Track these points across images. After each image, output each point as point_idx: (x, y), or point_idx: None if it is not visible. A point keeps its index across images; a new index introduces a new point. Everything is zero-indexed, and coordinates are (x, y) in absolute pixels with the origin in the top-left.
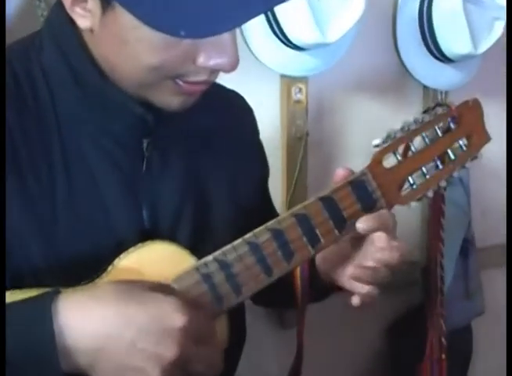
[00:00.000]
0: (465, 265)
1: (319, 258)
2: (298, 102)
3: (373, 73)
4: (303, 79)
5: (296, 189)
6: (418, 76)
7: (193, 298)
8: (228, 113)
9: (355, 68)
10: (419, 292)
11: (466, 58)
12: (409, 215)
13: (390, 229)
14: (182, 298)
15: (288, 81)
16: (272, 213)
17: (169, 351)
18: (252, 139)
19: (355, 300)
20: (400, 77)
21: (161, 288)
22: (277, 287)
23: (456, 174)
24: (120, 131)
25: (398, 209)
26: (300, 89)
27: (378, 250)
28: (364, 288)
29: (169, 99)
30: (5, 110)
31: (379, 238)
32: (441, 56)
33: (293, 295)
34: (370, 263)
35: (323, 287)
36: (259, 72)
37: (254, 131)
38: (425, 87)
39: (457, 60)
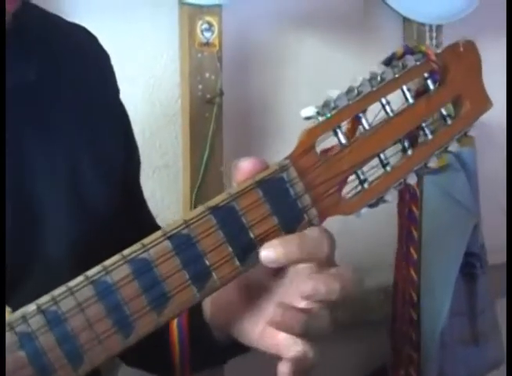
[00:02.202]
0: (470, 294)
1: (208, 304)
2: (207, 45)
3: None
4: (214, 9)
5: (205, 179)
6: (395, 3)
7: None
8: (66, 58)
9: None
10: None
11: None
12: (377, 218)
13: (321, 257)
14: None
15: (191, 13)
16: (146, 221)
17: None
18: (106, 100)
19: (283, 368)
20: (369, 6)
21: None
22: (150, 346)
23: (433, 163)
24: None
25: None
26: (210, 26)
27: (306, 281)
28: (291, 344)
29: None
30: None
31: (304, 267)
32: None
33: (171, 359)
34: (300, 302)
35: (218, 349)
36: None
37: (110, 88)
38: (406, 19)
39: None
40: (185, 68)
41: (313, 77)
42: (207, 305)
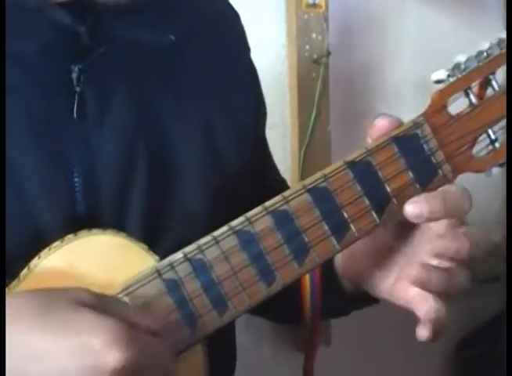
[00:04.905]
0: None
1: (339, 255)
2: (314, 6)
3: None
4: None
5: (313, 138)
6: None
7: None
8: (201, 19)
9: None
10: (500, 294)
11: None
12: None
13: (462, 214)
14: (130, 320)
15: None
16: (274, 181)
17: None
18: (239, 59)
19: (423, 332)
20: None
21: (99, 303)
22: (277, 297)
23: None
24: (35, 56)
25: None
26: None
27: (437, 238)
28: (430, 301)
29: None
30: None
31: (437, 223)
32: None
33: (301, 308)
34: (431, 260)
35: (346, 300)
36: None
37: (242, 46)
38: None
39: None
40: (292, 29)
41: (416, 38)
42: (339, 255)
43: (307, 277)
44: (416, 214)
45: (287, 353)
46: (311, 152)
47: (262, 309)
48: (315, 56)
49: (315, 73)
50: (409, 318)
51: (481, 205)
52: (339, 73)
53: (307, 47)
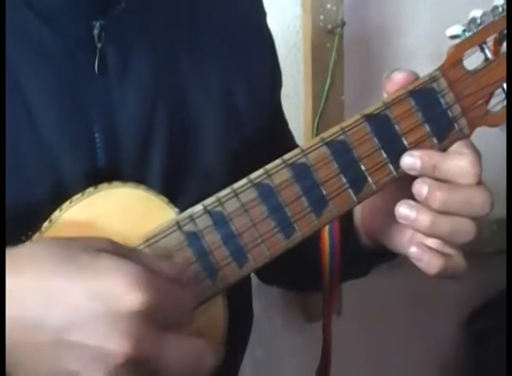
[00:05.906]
0: None
1: (359, 211)
2: None
3: None
4: None
5: (326, 108)
6: None
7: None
8: None
9: None
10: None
11: None
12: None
13: (462, 183)
14: (149, 267)
15: None
16: (288, 141)
17: (119, 347)
18: (255, 22)
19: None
20: None
21: (118, 251)
22: (296, 257)
23: None
24: (55, 10)
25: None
26: None
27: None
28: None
29: None
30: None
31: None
32: None
33: (319, 269)
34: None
35: (365, 256)
36: None
37: (258, 10)
38: None
39: None
40: None
41: (431, 7)
42: (358, 210)
43: (326, 234)
44: (407, 165)
45: (297, 322)
46: (325, 122)
47: (282, 272)
48: (329, 27)
49: (329, 43)
50: (420, 288)
51: (492, 178)
52: (353, 43)
53: (321, 17)
